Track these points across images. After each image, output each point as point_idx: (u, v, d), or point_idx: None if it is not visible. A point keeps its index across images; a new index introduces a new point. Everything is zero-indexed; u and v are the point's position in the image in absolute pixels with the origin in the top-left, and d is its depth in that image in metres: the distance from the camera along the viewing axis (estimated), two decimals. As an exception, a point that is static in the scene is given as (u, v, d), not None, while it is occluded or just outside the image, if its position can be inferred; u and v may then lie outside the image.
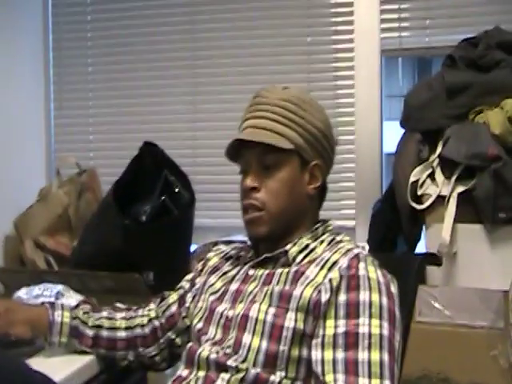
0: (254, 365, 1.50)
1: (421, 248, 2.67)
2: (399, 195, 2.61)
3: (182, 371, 1.62)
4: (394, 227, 2.68)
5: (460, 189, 2.45)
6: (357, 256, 1.55)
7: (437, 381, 2.34)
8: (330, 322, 1.48)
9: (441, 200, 2.47)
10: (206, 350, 1.58)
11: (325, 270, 1.54)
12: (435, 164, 2.53)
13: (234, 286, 1.68)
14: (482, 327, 2.34)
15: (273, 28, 3.24)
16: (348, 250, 1.58)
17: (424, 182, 2.53)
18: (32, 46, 3.43)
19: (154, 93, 3.38)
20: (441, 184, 2.48)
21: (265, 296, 1.56)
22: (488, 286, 2.35)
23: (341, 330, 1.46)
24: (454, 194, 2.44)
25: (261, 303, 1.56)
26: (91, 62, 3.48)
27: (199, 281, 1.82)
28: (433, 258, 2.09)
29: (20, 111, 3.28)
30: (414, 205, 2.52)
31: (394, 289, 1.54)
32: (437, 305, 2.39)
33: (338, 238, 1.68)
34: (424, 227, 2.57)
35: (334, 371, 1.42)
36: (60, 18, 3.50)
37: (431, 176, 2.53)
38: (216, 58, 3.31)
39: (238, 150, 1.70)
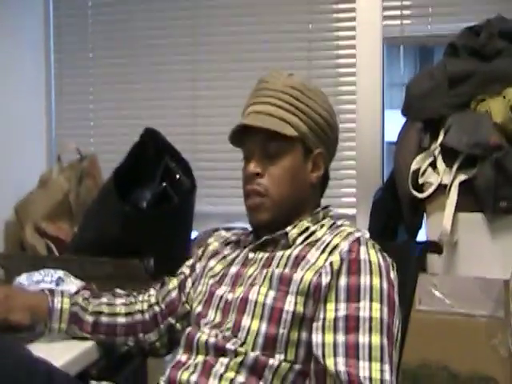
0: (253, 348, 1.50)
1: (421, 236, 2.68)
2: (400, 184, 2.61)
3: (181, 356, 1.62)
4: (395, 216, 2.68)
5: (461, 178, 2.45)
6: (358, 239, 1.55)
7: (436, 369, 2.35)
8: (330, 305, 1.48)
9: (442, 189, 2.47)
10: (204, 334, 1.58)
11: (326, 254, 1.54)
12: (436, 153, 2.53)
13: (233, 269, 1.68)
14: (482, 316, 2.35)
15: (274, 15, 3.23)
16: (349, 234, 1.58)
17: (425, 170, 2.53)
18: (33, 31, 3.42)
19: (154, 79, 3.37)
20: (442, 173, 2.48)
21: (264, 279, 1.57)
22: (488, 275, 2.35)
23: (341, 313, 1.46)
24: (456, 183, 2.44)
25: (260, 286, 1.56)
26: (92, 48, 3.47)
27: (199, 266, 1.83)
28: (434, 246, 2.09)
29: (21, 97, 3.27)
30: (415, 193, 2.52)
31: (393, 274, 1.55)
32: (437, 293, 2.39)
33: (339, 223, 1.68)
34: (425, 216, 2.58)
35: (335, 354, 1.42)
36: (61, 3, 3.49)
37: (432, 165, 2.53)
38: (216, 44, 3.30)
39: (241, 136, 1.69)
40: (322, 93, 1.74)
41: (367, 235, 1.60)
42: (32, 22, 3.41)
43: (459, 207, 2.44)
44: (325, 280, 1.50)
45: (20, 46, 3.30)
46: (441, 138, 2.52)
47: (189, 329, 1.67)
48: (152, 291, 1.91)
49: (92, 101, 3.48)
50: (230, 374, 1.50)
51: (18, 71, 3.28)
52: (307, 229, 1.65)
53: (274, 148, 1.65)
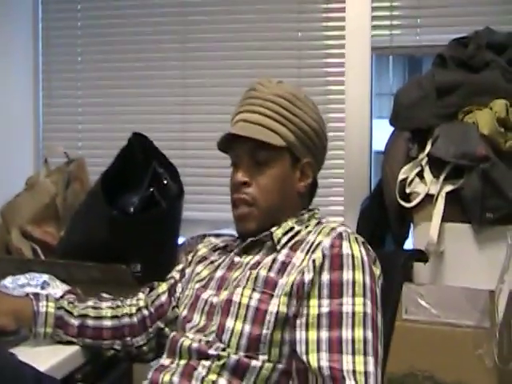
0: (237, 349, 1.50)
1: (408, 246, 2.68)
2: (387, 193, 2.62)
3: (164, 360, 1.62)
4: (382, 224, 2.69)
5: (448, 188, 2.46)
6: (340, 234, 1.55)
7: (422, 379, 2.35)
8: (313, 302, 1.48)
9: (429, 199, 2.47)
10: (188, 340, 1.58)
11: (309, 254, 1.54)
12: (424, 162, 2.53)
13: (219, 273, 1.69)
14: (468, 326, 2.35)
15: (264, 22, 3.24)
16: (332, 229, 1.58)
17: (412, 180, 2.54)
18: (21, 34, 3.41)
19: (143, 83, 3.37)
20: (429, 183, 2.49)
21: (248, 280, 1.57)
22: (475, 286, 2.36)
23: (325, 309, 1.46)
24: (442, 193, 2.45)
25: (244, 287, 1.56)
26: (81, 51, 3.47)
27: (188, 271, 1.83)
28: (419, 254, 2.10)
29: (9, 99, 3.27)
30: (402, 203, 2.53)
31: (376, 269, 1.55)
32: (423, 303, 2.40)
33: (323, 221, 1.68)
34: (412, 225, 2.58)
35: (318, 350, 1.43)
36: (50, 6, 3.49)
37: (420, 174, 2.54)
38: (206, 50, 3.31)
39: (230, 143, 1.69)
40: (311, 102, 1.74)
41: (350, 229, 1.60)
42: (20, 26, 3.40)
43: (446, 217, 2.45)
44: (307, 277, 1.50)
45: (8, 49, 3.29)
46: (428, 148, 2.52)
47: (173, 333, 1.67)
48: (141, 295, 1.91)
49: (80, 104, 3.47)
50: (212, 377, 1.50)
51: (6, 74, 3.27)
52: (292, 229, 1.65)
53: (262, 157, 1.65)
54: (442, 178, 2.47)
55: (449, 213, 2.45)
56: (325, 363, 1.40)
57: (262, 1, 3.24)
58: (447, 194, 2.45)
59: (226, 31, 3.28)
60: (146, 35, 3.36)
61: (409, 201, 2.53)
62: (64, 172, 2.80)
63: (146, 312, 1.85)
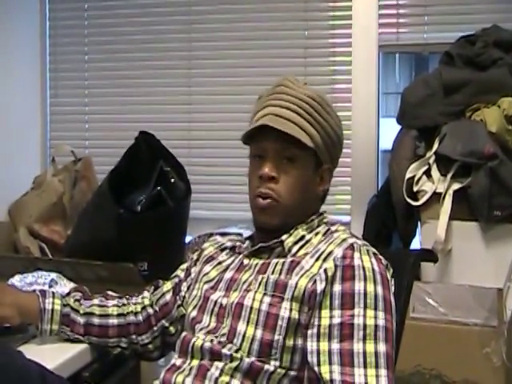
0: (249, 354, 1.50)
1: (415, 244, 2.68)
2: (395, 191, 2.62)
3: (176, 360, 1.62)
4: (390, 223, 2.69)
5: (456, 186, 2.46)
6: (351, 246, 1.55)
7: (430, 377, 2.35)
8: (325, 313, 1.48)
9: (436, 197, 2.47)
10: (200, 339, 1.58)
11: (320, 261, 1.54)
12: (431, 161, 2.53)
13: (228, 275, 1.68)
14: (475, 324, 2.35)
15: (270, 21, 3.24)
16: (343, 240, 1.58)
17: (420, 178, 2.54)
18: (28, 34, 3.42)
19: (150, 83, 3.38)
20: (437, 181, 2.49)
21: (260, 284, 1.56)
22: (482, 284, 2.36)
23: (336, 320, 1.46)
24: (450, 191, 2.45)
25: (256, 292, 1.55)
26: (88, 51, 3.48)
27: (194, 270, 1.82)
28: (429, 254, 2.09)
29: (16, 99, 3.27)
30: (409, 201, 2.52)
31: (389, 276, 1.55)
32: (431, 301, 2.40)
33: (333, 229, 1.67)
34: (419, 224, 2.58)
35: (330, 363, 1.42)
36: (57, 5, 3.50)
37: (427, 173, 2.54)
38: (212, 49, 3.31)
39: (255, 135, 1.67)
40: (334, 109, 1.73)
41: (361, 241, 1.60)
42: (28, 24, 3.41)
43: (453, 215, 2.45)
44: (320, 287, 1.49)
45: (15, 48, 3.30)
46: (435, 147, 2.52)
47: (184, 333, 1.66)
48: (146, 293, 1.90)
49: (87, 104, 3.48)
50: (225, 378, 1.49)
51: (13, 74, 3.27)
52: (302, 237, 1.64)
53: (290, 154, 1.63)
54: (449, 176, 2.47)
55: (456, 211, 2.45)
56: (337, 376, 1.40)
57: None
58: (455, 192, 2.45)
59: (232, 30, 3.29)
60: (152, 34, 3.37)
61: (416, 199, 2.53)
62: (71, 171, 2.81)
63: (150, 310, 1.85)
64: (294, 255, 1.59)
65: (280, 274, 1.56)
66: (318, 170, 1.68)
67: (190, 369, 1.54)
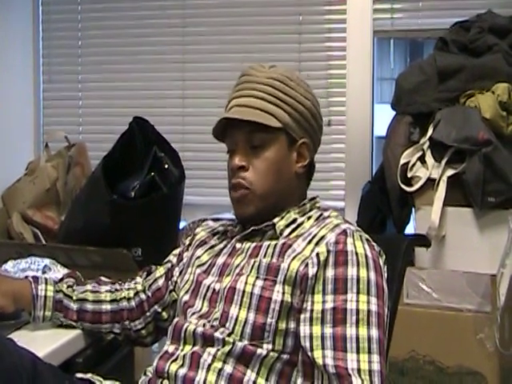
0: (241, 337, 1.50)
1: (410, 230, 2.68)
2: (389, 177, 2.62)
3: (168, 347, 1.62)
4: (384, 209, 2.69)
5: (450, 172, 2.46)
6: (344, 231, 1.55)
7: (423, 363, 2.36)
8: (317, 297, 1.48)
9: (430, 183, 2.48)
10: (192, 324, 1.58)
11: (312, 245, 1.54)
12: (425, 147, 2.53)
13: (220, 260, 1.68)
14: (469, 310, 2.36)
15: (264, 6, 3.23)
16: (336, 226, 1.58)
17: (414, 164, 2.54)
18: (21, 18, 3.40)
19: (143, 68, 3.37)
20: (431, 167, 2.49)
21: (252, 268, 1.56)
22: (476, 270, 2.37)
23: (329, 305, 1.46)
24: (444, 178, 2.45)
25: (248, 275, 1.55)
26: (81, 36, 3.46)
27: (187, 255, 1.82)
28: (422, 240, 2.09)
29: (9, 85, 3.26)
30: (403, 187, 2.53)
31: (381, 262, 1.55)
32: (425, 287, 2.40)
33: (326, 214, 1.67)
34: (413, 210, 2.58)
35: (323, 347, 1.43)
36: (50, -11, 3.48)
37: (421, 159, 2.54)
38: (206, 34, 3.30)
39: (225, 129, 1.69)
40: (304, 83, 1.72)
41: (354, 227, 1.60)
42: (20, 9, 3.39)
43: (447, 201, 2.45)
44: (311, 271, 1.49)
45: (8, 34, 3.28)
46: (430, 133, 2.52)
47: (176, 319, 1.66)
48: (138, 279, 1.90)
49: (80, 89, 3.47)
50: (218, 365, 1.49)
51: (6, 59, 3.26)
52: (294, 220, 1.64)
53: (258, 140, 1.64)
54: (443, 162, 2.47)
55: (450, 197, 2.45)
56: (330, 361, 1.41)
57: (262, -16, 3.23)
58: (449, 178, 2.45)
59: (227, 15, 3.27)
60: (145, 19, 3.35)
61: (410, 185, 2.53)
62: (65, 157, 2.80)
63: (143, 296, 1.85)
64: (286, 238, 1.60)
65: (272, 256, 1.56)
66: (293, 147, 1.67)
67: (183, 357, 1.54)
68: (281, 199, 1.66)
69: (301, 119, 1.67)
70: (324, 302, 1.47)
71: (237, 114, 1.64)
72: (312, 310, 1.47)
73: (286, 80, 1.67)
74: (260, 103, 1.64)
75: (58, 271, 2.18)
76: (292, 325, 1.50)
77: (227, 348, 1.50)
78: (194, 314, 1.62)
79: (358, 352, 1.41)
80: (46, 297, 1.80)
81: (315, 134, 1.73)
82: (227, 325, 1.52)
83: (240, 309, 1.52)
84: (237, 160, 1.64)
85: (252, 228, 1.66)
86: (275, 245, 1.58)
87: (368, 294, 1.47)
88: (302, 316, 1.48)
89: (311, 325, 1.46)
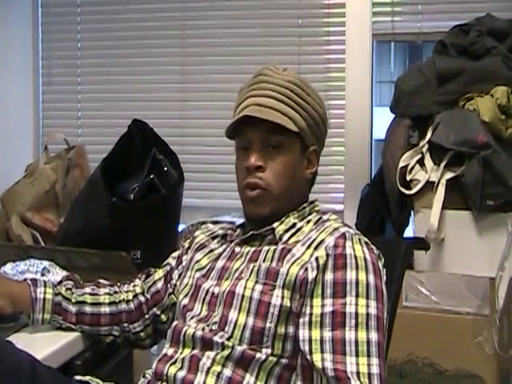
0: (240, 341, 1.50)
1: (409, 233, 2.68)
2: (388, 180, 2.62)
3: (168, 350, 1.62)
4: (383, 212, 2.69)
5: (449, 175, 2.46)
6: (343, 235, 1.55)
7: (422, 366, 2.36)
8: (316, 301, 1.48)
9: (429, 186, 2.48)
10: (191, 328, 1.58)
11: (311, 249, 1.54)
12: (424, 150, 2.53)
13: (220, 264, 1.68)
14: (468, 313, 2.36)
15: (264, 9, 3.23)
16: (335, 229, 1.58)
17: (413, 167, 2.54)
18: (21, 20, 3.40)
19: (143, 71, 3.37)
20: (430, 170, 2.49)
21: (251, 272, 1.56)
22: (475, 273, 2.37)
23: (328, 309, 1.46)
24: (443, 181, 2.45)
25: (247, 280, 1.55)
26: (81, 38, 3.47)
27: (186, 258, 1.82)
28: (421, 243, 2.10)
29: (8, 87, 3.26)
30: (402, 190, 2.53)
31: (381, 265, 1.55)
32: (424, 290, 2.40)
33: (325, 217, 1.67)
34: (412, 212, 2.58)
35: (322, 351, 1.43)
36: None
37: (420, 162, 2.54)
38: (206, 37, 3.30)
39: (238, 127, 1.67)
40: (315, 89, 1.73)
41: (353, 230, 1.60)
42: (20, 11, 3.39)
43: (446, 204, 2.45)
44: (311, 275, 1.49)
45: (8, 35, 3.29)
46: (429, 136, 2.52)
47: (175, 322, 1.66)
48: (137, 281, 1.90)
49: (80, 91, 3.47)
50: (217, 368, 1.49)
51: (6, 61, 3.26)
52: (294, 225, 1.64)
53: (275, 142, 1.64)
54: (442, 165, 2.47)
55: (449, 200, 2.45)
56: (329, 364, 1.41)
57: (262, -13, 3.23)
58: (448, 181, 2.45)
59: (226, 18, 3.28)
60: (146, 21, 3.35)
61: (409, 188, 2.53)
62: (64, 159, 2.80)
63: (142, 298, 1.85)
64: (285, 243, 1.60)
65: (271, 261, 1.56)
66: (305, 153, 1.68)
67: (182, 360, 1.54)
68: (289, 203, 1.67)
69: (314, 126, 1.68)
70: (323, 305, 1.47)
71: (257, 113, 1.62)
72: (311, 314, 1.47)
73: (303, 85, 1.68)
74: (279, 105, 1.63)
75: (57, 274, 2.17)
76: (291, 329, 1.50)
77: (226, 352, 1.50)
78: (193, 317, 1.62)
79: (357, 355, 1.41)
80: (44, 299, 1.80)
81: (323, 142, 1.75)
82: (226, 329, 1.52)
83: (239, 313, 1.52)
84: (254, 159, 1.63)
85: (251, 232, 1.66)
86: (274, 250, 1.58)
87: (367, 297, 1.47)
88: (301, 320, 1.49)
89: (310, 328, 1.46)
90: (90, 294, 1.86)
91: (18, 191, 2.75)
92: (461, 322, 2.35)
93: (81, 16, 3.46)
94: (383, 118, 2.90)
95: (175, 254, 1.89)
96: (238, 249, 1.67)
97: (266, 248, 1.60)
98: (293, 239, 1.60)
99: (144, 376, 1.63)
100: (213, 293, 1.62)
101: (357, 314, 1.44)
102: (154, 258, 2.05)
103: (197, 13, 3.31)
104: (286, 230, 1.63)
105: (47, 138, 3.17)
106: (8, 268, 2.16)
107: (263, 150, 1.63)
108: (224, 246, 1.73)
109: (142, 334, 1.85)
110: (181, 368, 1.53)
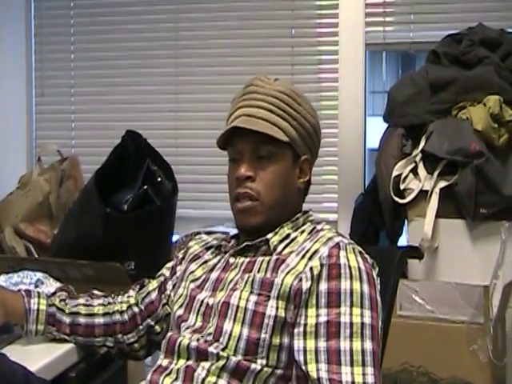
0: (235, 352, 1.50)
1: (403, 242, 2.69)
2: (382, 189, 2.62)
3: (162, 361, 1.61)
4: (377, 221, 2.69)
5: (442, 184, 2.47)
6: (337, 244, 1.55)
7: (417, 375, 2.36)
8: (311, 311, 1.48)
9: (423, 195, 2.49)
10: (186, 338, 1.57)
11: (305, 259, 1.54)
12: (418, 159, 2.54)
13: (214, 275, 1.68)
14: (462, 322, 2.36)
15: (257, 19, 3.24)
16: (329, 239, 1.58)
17: (406, 176, 2.55)
18: (14, 32, 3.40)
19: (136, 81, 3.37)
20: (423, 179, 2.50)
21: (246, 283, 1.56)
22: (469, 281, 2.37)
23: (322, 319, 1.46)
24: (436, 189, 2.46)
25: (242, 290, 1.55)
26: (74, 50, 3.47)
27: (180, 269, 1.82)
28: (415, 251, 2.10)
29: (1, 98, 3.26)
30: (396, 199, 2.53)
31: (375, 274, 1.55)
32: (418, 299, 2.40)
33: (319, 227, 1.67)
34: (406, 221, 2.59)
35: (317, 361, 1.42)
36: (42, 3, 3.49)
37: (414, 171, 2.55)
38: (199, 48, 3.31)
39: (229, 138, 1.68)
40: (308, 99, 1.74)
41: (347, 240, 1.60)
42: (13, 23, 3.39)
43: (440, 213, 2.46)
44: (305, 285, 1.49)
45: (1, 46, 3.28)
46: (422, 145, 2.53)
47: (170, 333, 1.66)
48: (131, 292, 1.90)
49: (73, 102, 3.47)
50: (212, 379, 1.49)
51: (-1, 72, 3.26)
52: (288, 236, 1.64)
53: (266, 151, 1.64)
54: (435, 174, 2.48)
55: (443, 209, 2.46)
56: (324, 374, 1.40)
57: (255, -2, 3.24)
58: (441, 189, 2.46)
59: (219, 28, 3.28)
60: (139, 32, 3.36)
61: (403, 197, 2.54)
62: (57, 170, 2.79)
63: (136, 309, 1.84)
64: (280, 253, 1.59)
65: (266, 272, 1.56)
66: (297, 163, 1.68)
67: (177, 371, 1.54)
68: (283, 213, 1.67)
69: (306, 136, 1.68)
70: (318, 315, 1.47)
71: (246, 123, 1.62)
72: (306, 324, 1.47)
73: (294, 95, 1.67)
74: (268, 115, 1.63)
75: (51, 285, 2.17)
76: (286, 340, 1.50)
77: (221, 363, 1.50)
78: (187, 328, 1.62)
79: (352, 365, 1.40)
80: (38, 310, 1.79)
81: (315, 151, 1.74)
82: (221, 339, 1.52)
83: (234, 324, 1.52)
84: (243, 170, 1.63)
85: (246, 243, 1.66)
86: (269, 260, 1.58)
87: (361, 306, 1.47)
88: (296, 330, 1.48)
89: (305, 339, 1.46)
90: (84, 305, 1.85)
91: (12, 203, 2.75)
92: (455, 331, 2.35)
93: (74, 27, 3.46)
94: (376, 128, 2.90)
95: (169, 265, 1.89)
96: (232, 260, 1.67)
97: (260, 259, 1.60)
98: (287, 250, 1.60)
99: (139, 387, 1.62)
100: (207, 304, 1.62)
101: (351, 323, 1.44)
102: (148, 268, 2.04)
103: (190, 23, 3.31)
104: (281, 241, 1.63)
105: (40, 149, 3.17)
106: (1, 280, 2.15)
107: (254, 161, 1.64)
108: (218, 257, 1.73)
109: (136, 344, 1.85)
110: (176, 379, 1.53)
